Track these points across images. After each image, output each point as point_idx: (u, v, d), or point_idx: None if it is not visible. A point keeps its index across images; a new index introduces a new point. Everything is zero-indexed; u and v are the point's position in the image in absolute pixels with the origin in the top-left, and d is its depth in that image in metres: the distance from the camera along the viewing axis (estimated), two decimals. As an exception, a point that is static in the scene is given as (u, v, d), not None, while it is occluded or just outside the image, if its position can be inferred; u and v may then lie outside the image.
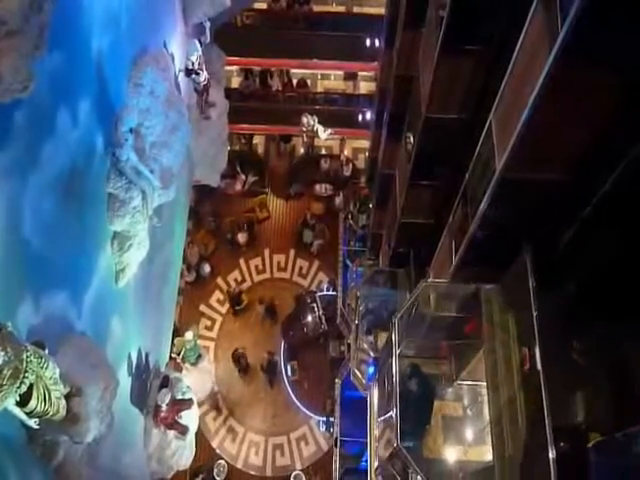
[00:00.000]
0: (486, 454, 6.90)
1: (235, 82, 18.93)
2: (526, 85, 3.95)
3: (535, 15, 3.91)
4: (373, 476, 10.17)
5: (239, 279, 17.64)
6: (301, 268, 17.93)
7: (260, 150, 20.00)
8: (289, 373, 16.33)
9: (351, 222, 16.82)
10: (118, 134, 7.87)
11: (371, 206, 13.87)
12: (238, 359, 16.25)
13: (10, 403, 5.04)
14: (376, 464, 10.03)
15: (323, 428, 15.80)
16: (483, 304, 6.24)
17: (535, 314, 5.11)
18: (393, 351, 7.56)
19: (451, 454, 8.21)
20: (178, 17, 11.38)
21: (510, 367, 5.61)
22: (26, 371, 4.98)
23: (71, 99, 6.86)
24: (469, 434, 8.54)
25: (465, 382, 8.99)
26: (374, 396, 10.84)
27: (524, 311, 5.31)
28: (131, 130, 8.06)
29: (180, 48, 11.30)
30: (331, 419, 15.10)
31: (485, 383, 6.18)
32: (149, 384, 10.40)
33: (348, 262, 16.37)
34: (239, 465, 15.70)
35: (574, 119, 3.94)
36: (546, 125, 4.02)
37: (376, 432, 10.37)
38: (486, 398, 6.33)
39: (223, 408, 16.07)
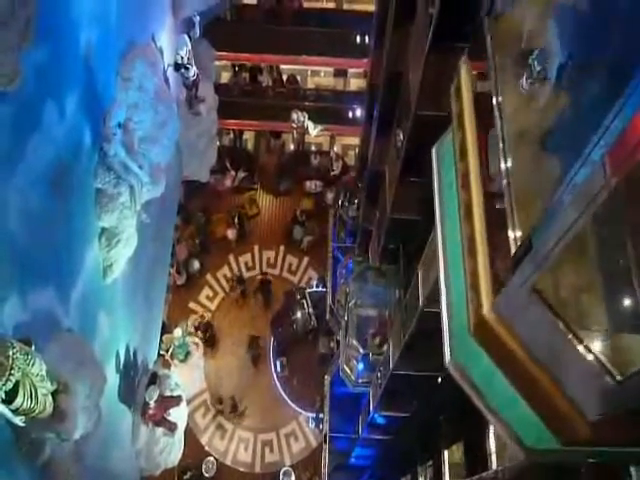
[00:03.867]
0: None
1: (225, 77, 18.82)
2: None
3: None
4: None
5: (228, 275, 17.59)
6: (291, 264, 17.92)
7: (250, 146, 19.94)
8: (278, 369, 16.33)
9: (341, 212, 16.71)
10: (106, 129, 7.81)
11: (360, 200, 13.85)
12: (252, 346, 16.22)
13: (-4, 400, 5.00)
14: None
15: (312, 424, 15.82)
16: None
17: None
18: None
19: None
20: (167, 11, 11.30)
21: None
22: (12, 368, 4.94)
23: (58, 93, 6.79)
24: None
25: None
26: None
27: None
28: (119, 125, 8.00)
29: (169, 42, 11.21)
30: (320, 415, 15.12)
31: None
32: (137, 381, 10.36)
33: (339, 255, 16.32)
34: (228, 462, 15.68)
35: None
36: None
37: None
38: None
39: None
